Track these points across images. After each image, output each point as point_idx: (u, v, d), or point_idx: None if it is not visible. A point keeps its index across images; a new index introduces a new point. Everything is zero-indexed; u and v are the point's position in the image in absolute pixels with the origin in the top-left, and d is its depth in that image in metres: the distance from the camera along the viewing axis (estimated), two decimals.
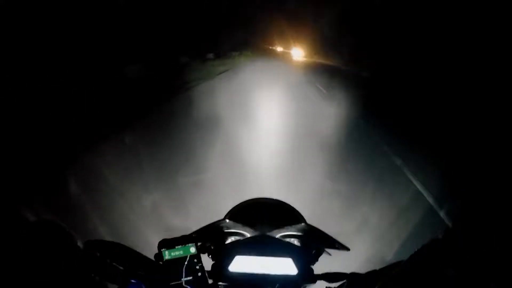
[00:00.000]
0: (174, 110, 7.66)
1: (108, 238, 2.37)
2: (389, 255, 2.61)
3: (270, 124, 6.69)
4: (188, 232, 0.92)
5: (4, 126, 4.68)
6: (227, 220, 1.11)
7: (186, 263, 0.81)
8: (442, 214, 3.36)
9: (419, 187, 3.90)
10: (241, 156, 4.55)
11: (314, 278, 0.90)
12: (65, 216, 2.60)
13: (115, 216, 2.99)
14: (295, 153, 4.94)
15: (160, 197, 3.39)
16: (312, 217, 1.21)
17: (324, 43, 28.44)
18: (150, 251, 0.87)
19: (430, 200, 3.59)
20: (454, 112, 7.92)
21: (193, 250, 0.82)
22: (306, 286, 0.91)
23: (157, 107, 7.62)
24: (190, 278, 0.80)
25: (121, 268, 0.80)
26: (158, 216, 3.07)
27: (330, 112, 8.05)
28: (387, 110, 8.94)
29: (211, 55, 20.42)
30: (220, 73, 15.90)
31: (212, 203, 3.11)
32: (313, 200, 3.23)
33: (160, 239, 0.82)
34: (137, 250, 0.88)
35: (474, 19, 9.98)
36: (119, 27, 10.94)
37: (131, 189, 3.46)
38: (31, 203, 2.69)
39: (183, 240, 0.83)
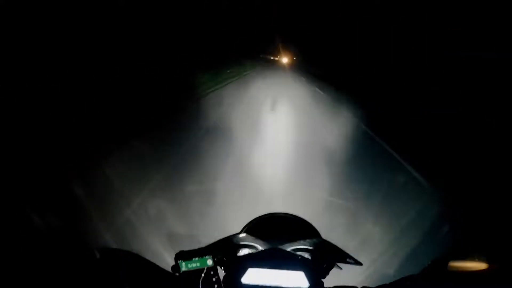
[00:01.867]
0: (183, 118, 7.72)
1: (114, 245, 2.41)
2: (391, 271, 2.62)
3: (277, 136, 6.73)
4: (193, 241, 0.94)
5: (10, 131, 4.72)
6: (242, 234, 1.13)
7: (203, 275, 0.82)
8: (446, 232, 3.35)
9: (424, 202, 3.90)
10: (248, 167, 4.58)
11: None
12: (74, 224, 2.62)
13: (121, 223, 3.01)
14: (301, 166, 4.96)
15: (166, 205, 3.40)
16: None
17: (330, 54, 28.65)
18: (154, 258, 0.89)
19: (434, 218, 3.58)
20: (462, 125, 7.88)
21: (210, 262, 0.84)
22: None
23: (166, 115, 7.68)
24: None
25: (137, 278, 0.82)
26: (163, 224, 3.08)
27: (337, 125, 8.07)
28: (393, 125, 8.92)
29: (220, 65, 20.63)
30: (229, 82, 16.04)
31: (217, 213, 3.15)
32: (317, 215, 3.23)
33: (164, 246, 0.84)
34: (147, 258, 0.89)
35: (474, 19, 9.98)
36: (130, 32, 11.07)
37: (138, 196, 3.49)
38: (40, 211, 2.73)
39: (200, 252, 0.85)
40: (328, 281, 0.99)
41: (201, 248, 0.87)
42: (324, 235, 1.21)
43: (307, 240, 1.08)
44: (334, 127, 7.94)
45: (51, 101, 6.11)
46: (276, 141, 6.42)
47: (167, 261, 0.88)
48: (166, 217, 3.20)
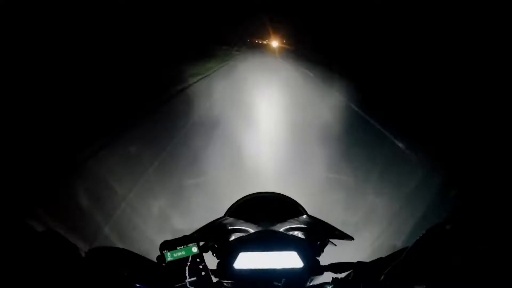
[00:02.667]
0: (173, 111, 7.67)
1: (113, 243, 2.39)
2: (398, 244, 2.59)
3: (270, 119, 6.69)
4: (190, 232, 0.91)
5: (6, 131, 4.69)
6: (229, 217, 1.10)
7: (188, 263, 0.80)
8: (449, 201, 3.33)
9: (425, 173, 3.88)
10: (243, 153, 4.55)
11: (321, 269, 0.89)
12: (70, 223, 2.60)
13: (120, 221, 2.99)
14: (297, 146, 4.93)
15: (165, 200, 3.38)
16: (317, 209, 1.20)
17: (320, 35, 28.41)
18: (153, 252, 0.87)
19: (437, 186, 3.56)
20: (457, 97, 7.85)
21: (195, 250, 0.81)
22: (313, 279, 0.90)
23: (156, 108, 7.62)
24: (194, 278, 0.79)
25: (125, 273, 0.80)
26: (164, 219, 3.06)
27: (330, 102, 8.03)
28: (389, 97, 8.87)
29: (206, 51, 20.61)
30: (216, 68, 15.96)
31: (217, 204, 3.08)
32: (318, 192, 3.22)
33: (163, 240, 0.82)
34: (143, 254, 0.88)
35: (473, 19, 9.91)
36: (116, 25, 10.90)
37: (135, 193, 3.48)
38: (35, 210, 2.71)
39: (185, 240, 0.82)
40: (327, 259, 0.96)
41: (186, 236, 0.85)
42: (326, 211, 1.18)
43: (296, 218, 1.05)
44: (326, 107, 7.90)
45: (44, 101, 6.06)
46: (271, 124, 6.37)
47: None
48: (165, 211, 3.17)
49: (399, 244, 2.58)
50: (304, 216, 1.10)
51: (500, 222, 0.65)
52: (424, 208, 2.97)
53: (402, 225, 2.80)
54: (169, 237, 0.84)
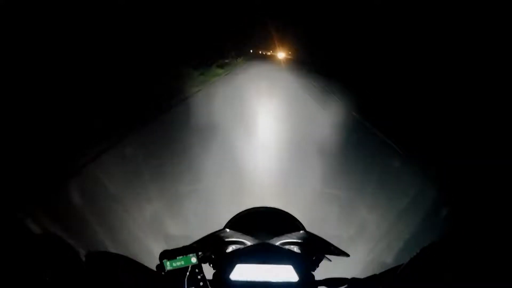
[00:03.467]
0: (173, 118, 7.68)
1: (109, 247, 2.39)
2: (389, 259, 2.61)
3: (267, 130, 6.71)
4: (187, 240, 0.93)
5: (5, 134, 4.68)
6: (227, 230, 1.12)
7: (188, 273, 0.81)
8: (441, 218, 3.36)
9: (418, 190, 3.91)
10: (240, 164, 4.57)
11: (315, 284, 0.90)
12: (65, 227, 2.59)
13: (115, 226, 2.98)
14: (293, 159, 4.95)
15: (160, 206, 3.38)
16: (310, 223, 1.23)
17: (322, 47, 28.51)
18: (149, 260, 0.87)
19: (430, 203, 3.59)
20: (454, 113, 7.93)
21: (194, 260, 0.83)
22: None
23: (156, 116, 7.62)
24: None
25: (123, 280, 0.80)
26: (158, 225, 3.05)
27: (328, 116, 8.08)
28: (385, 112, 8.95)
29: (206, 62, 20.63)
30: (216, 79, 16.01)
31: (211, 212, 3.12)
32: (311, 206, 3.24)
33: (160, 247, 0.83)
34: (137, 259, 0.88)
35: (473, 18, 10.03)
36: (118, 32, 10.89)
37: (131, 198, 3.46)
38: (32, 214, 2.70)
39: (184, 250, 0.83)
40: (322, 273, 0.97)
41: (186, 246, 0.86)
42: (318, 226, 1.20)
43: (293, 233, 1.08)
44: (324, 118, 7.96)
45: (44, 104, 6.06)
46: (268, 134, 6.41)
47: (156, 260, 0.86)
48: (160, 218, 3.17)
49: (389, 260, 2.60)
50: (302, 231, 1.13)
51: (494, 240, 0.67)
52: (415, 226, 3.00)
53: (393, 241, 2.83)
54: (170, 244, 0.85)
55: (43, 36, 7.62)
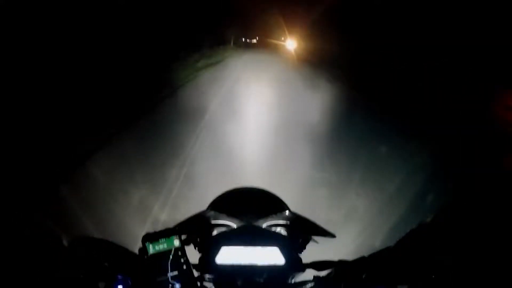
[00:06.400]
0: (161, 103, 7.58)
1: (95, 234, 2.35)
2: (378, 243, 2.64)
3: (256, 116, 6.67)
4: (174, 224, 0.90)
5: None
6: (211, 211, 1.09)
7: (171, 256, 0.79)
8: (430, 200, 3.41)
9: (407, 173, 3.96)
10: (228, 148, 4.55)
11: (302, 266, 0.89)
12: (50, 213, 2.55)
13: (102, 211, 2.94)
14: (282, 143, 4.94)
15: (147, 191, 3.35)
16: (299, 207, 1.21)
17: (314, 33, 28.00)
18: (137, 246, 0.85)
19: (417, 188, 3.63)
20: (443, 99, 8.00)
21: (177, 243, 0.81)
22: (294, 275, 0.90)
23: (144, 101, 7.51)
24: (176, 272, 0.78)
25: (107, 264, 0.78)
26: (145, 210, 3.03)
27: (316, 101, 8.07)
28: (374, 97, 8.98)
29: (198, 49, 20.21)
30: (207, 66, 15.82)
31: (199, 195, 3.10)
32: (300, 189, 3.24)
33: (145, 231, 0.81)
34: (125, 245, 0.87)
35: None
36: (111, 26, 10.62)
37: (118, 183, 3.42)
38: (15, 199, 2.64)
39: (167, 233, 0.81)
40: (309, 256, 0.96)
41: (168, 228, 0.83)
42: (308, 209, 1.18)
43: (279, 214, 1.06)
44: (312, 102, 7.96)
45: (33, 101, 5.92)
46: (256, 119, 6.38)
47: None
48: (150, 204, 3.14)
49: (378, 243, 2.63)
50: (287, 212, 1.11)
51: (482, 222, 0.66)
52: (403, 209, 3.03)
53: (382, 225, 2.86)
54: (152, 228, 0.83)
55: (30, 31, 7.40)
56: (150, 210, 3.04)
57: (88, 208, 2.87)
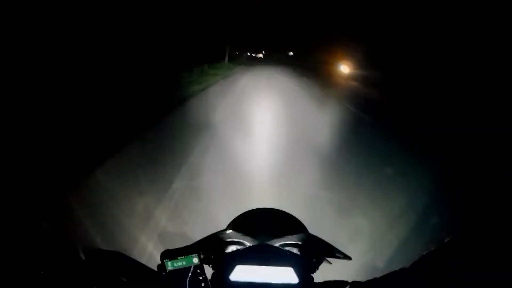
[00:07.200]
0: (170, 115, 7.67)
1: (104, 246, 2.36)
2: (383, 263, 2.63)
3: (264, 131, 6.71)
4: (183, 239, 0.93)
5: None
6: (229, 230, 1.12)
7: (189, 274, 0.81)
8: (437, 220, 3.39)
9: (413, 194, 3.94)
10: (235, 164, 4.58)
11: (315, 286, 0.90)
12: (60, 224, 2.58)
13: (109, 223, 2.97)
14: (288, 159, 4.96)
15: (155, 204, 3.38)
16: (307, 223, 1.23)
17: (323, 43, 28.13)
18: (143, 258, 0.87)
19: (421, 211, 3.61)
20: (451, 118, 7.98)
21: (196, 260, 0.83)
22: None
23: (152, 112, 7.60)
24: None
25: (124, 279, 0.80)
26: (153, 222, 3.05)
27: (324, 119, 8.10)
28: (382, 116, 8.98)
29: (205, 64, 20.42)
30: (215, 79, 15.99)
31: (206, 209, 3.16)
32: (305, 208, 3.24)
33: (155, 245, 0.83)
34: (132, 257, 0.88)
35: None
36: (115, 27, 10.83)
37: (126, 195, 3.46)
38: (28, 212, 2.68)
39: (186, 250, 0.83)
40: (318, 276, 0.98)
41: (187, 246, 0.85)
42: (313, 228, 1.20)
43: (295, 235, 1.07)
44: (321, 119, 7.99)
45: (41, 105, 6.03)
46: (264, 134, 6.42)
47: (157, 260, 0.86)
48: (155, 215, 3.16)
49: (383, 264, 2.62)
50: (303, 233, 1.13)
51: (490, 245, 0.68)
52: (407, 231, 3.01)
53: (388, 245, 2.84)
54: (165, 241, 0.85)
55: (38, 35, 7.58)
56: (156, 221, 3.06)
57: (95, 219, 2.91)
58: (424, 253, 0.73)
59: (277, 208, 1.24)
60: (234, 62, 30.39)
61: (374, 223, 3.19)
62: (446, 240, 0.73)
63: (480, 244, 0.68)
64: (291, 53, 50.73)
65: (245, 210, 1.22)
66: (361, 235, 3.04)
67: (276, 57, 50.36)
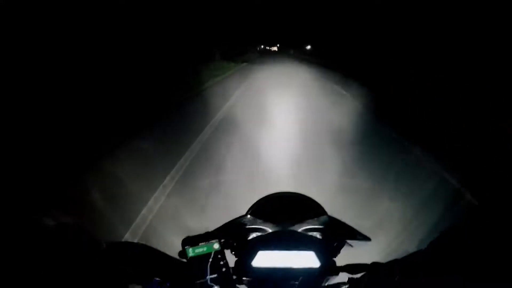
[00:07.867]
0: (191, 110, 7.81)
1: (128, 239, 2.41)
2: (412, 248, 2.57)
3: (285, 122, 6.69)
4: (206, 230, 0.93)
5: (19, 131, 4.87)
6: (249, 216, 1.12)
7: (210, 260, 0.82)
8: (465, 204, 3.29)
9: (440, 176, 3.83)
10: (259, 157, 4.59)
11: (337, 270, 0.90)
12: (82, 219, 2.67)
13: (134, 219, 3.08)
14: (311, 149, 4.93)
15: (179, 200, 3.46)
16: (331, 214, 1.22)
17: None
18: (170, 252, 0.88)
19: (449, 194, 3.51)
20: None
21: (216, 246, 0.83)
22: (328, 278, 0.91)
23: (174, 107, 7.74)
24: (215, 275, 0.80)
25: (145, 267, 0.82)
26: (177, 218, 3.12)
27: (347, 106, 7.98)
28: (404, 101, 8.75)
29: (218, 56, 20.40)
30: (231, 71, 16.04)
31: (230, 205, 3.16)
32: (332, 197, 3.22)
33: (180, 240, 0.84)
34: (162, 250, 0.89)
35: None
36: (124, 25, 11.04)
37: (150, 191, 3.57)
38: (48, 208, 2.79)
39: (207, 237, 0.84)
40: (339, 259, 0.97)
41: (208, 232, 0.86)
42: (339, 217, 1.19)
43: (315, 219, 1.07)
44: (343, 108, 7.86)
45: (60, 104, 6.23)
46: (284, 126, 6.39)
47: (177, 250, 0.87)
48: (180, 212, 3.23)
49: (412, 249, 2.56)
50: (323, 216, 1.12)
51: None
52: (436, 215, 2.94)
53: (415, 230, 2.79)
54: (183, 235, 0.85)
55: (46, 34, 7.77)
56: (181, 218, 3.13)
57: (120, 214, 3.05)
58: (441, 234, 0.71)
59: (295, 192, 1.23)
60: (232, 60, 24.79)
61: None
62: (465, 222, 0.71)
63: (501, 228, 0.66)
64: (308, 47, 49.86)
65: (264, 195, 1.22)
66: None
67: (291, 51, 49.82)
